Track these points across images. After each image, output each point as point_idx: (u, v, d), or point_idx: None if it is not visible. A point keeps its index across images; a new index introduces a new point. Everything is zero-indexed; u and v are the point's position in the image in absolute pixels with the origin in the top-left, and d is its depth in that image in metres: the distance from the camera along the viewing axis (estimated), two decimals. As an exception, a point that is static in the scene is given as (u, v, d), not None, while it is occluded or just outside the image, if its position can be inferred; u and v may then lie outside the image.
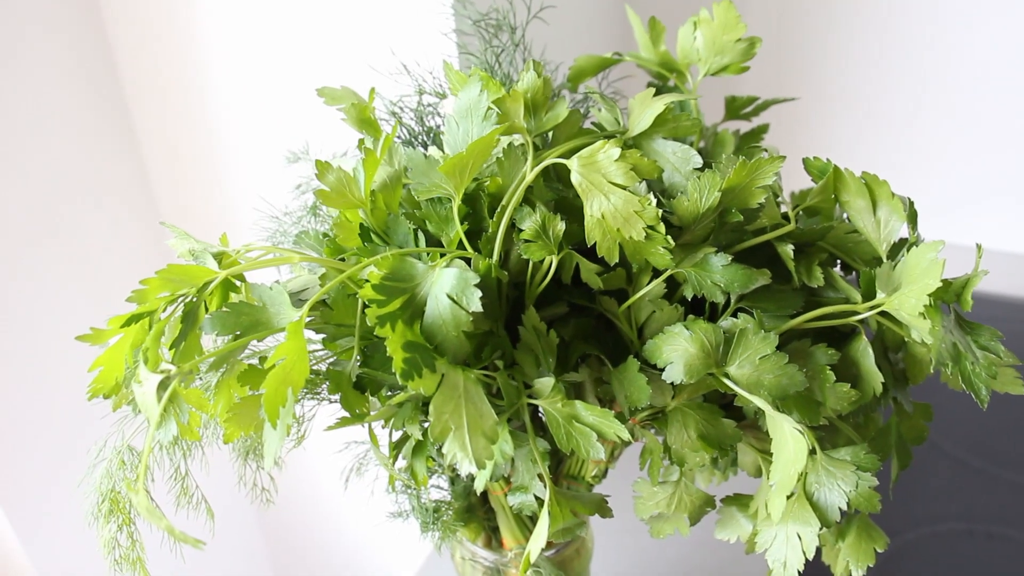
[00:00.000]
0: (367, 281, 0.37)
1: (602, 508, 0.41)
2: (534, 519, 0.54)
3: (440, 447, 0.38)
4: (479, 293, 0.38)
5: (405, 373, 0.36)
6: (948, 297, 0.40)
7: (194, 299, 0.40)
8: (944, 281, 0.39)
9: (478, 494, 0.54)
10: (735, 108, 0.56)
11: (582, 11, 0.78)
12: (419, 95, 0.55)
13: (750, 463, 0.47)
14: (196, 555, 0.91)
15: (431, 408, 0.37)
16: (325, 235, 0.47)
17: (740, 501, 0.48)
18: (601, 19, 0.79)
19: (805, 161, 0.45)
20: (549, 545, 0.57)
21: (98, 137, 0.80)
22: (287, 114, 0.71)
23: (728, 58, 0.50)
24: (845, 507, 0.44)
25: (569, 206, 0.43)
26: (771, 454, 0.46)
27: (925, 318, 0.38)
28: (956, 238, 1.12)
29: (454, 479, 0.54)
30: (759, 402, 0.39)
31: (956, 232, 1.11)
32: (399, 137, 0.54)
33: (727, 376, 0.41)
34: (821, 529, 0.44)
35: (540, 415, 0.46)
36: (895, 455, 0.47)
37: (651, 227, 0.40)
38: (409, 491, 0.53)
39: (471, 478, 0.54)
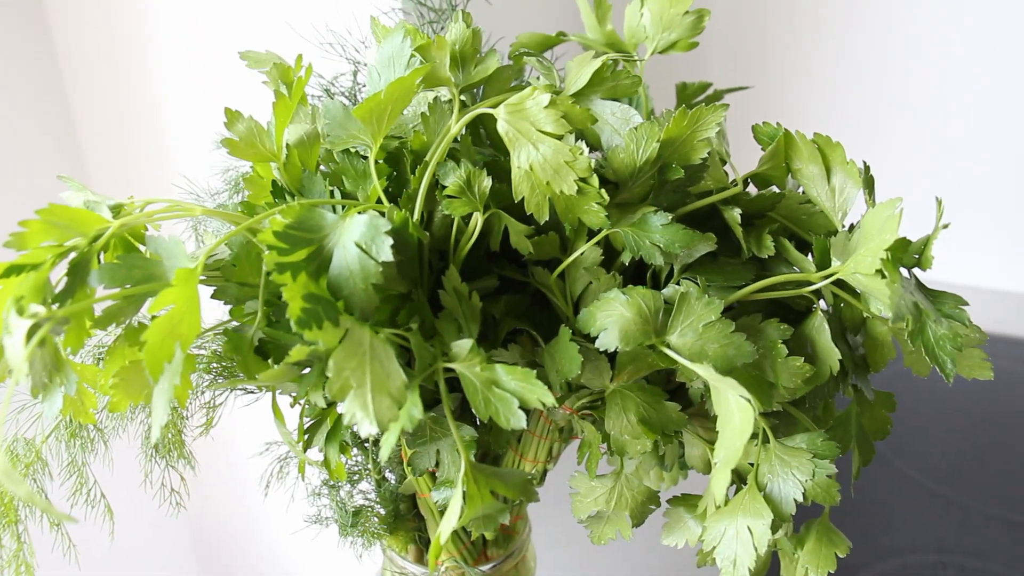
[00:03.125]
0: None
1: (527, 490, 0.37)
2: (467, 529, 0.50)
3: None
4: (390, 241, 0.34)
5: (302, 321, 0.33)
6: (907, 259, 0.37)
7: (84, 252, 0.36)
8: (902, 238, 0.35)
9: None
10: (687, 96, 0.54)
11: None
12: (354, 75, 0.52)
13: (699, 457, 0.43)
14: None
15: (331, 363, 0.33)
16: (243, 203, 0.43)
17: (688, 501, 0.44)
18: (550, 2, 0.77)
19: (755, 127, 0.42)
20: (486, 559, 0.52)
21: (31, 111, 0.77)
22: (225, 96, 0.68)
23: (676, 33, 0.48)
24: (801, 498, 0.40)
25: (500, 170, 0.40)
26: (720, 445, 0.43)
27: (882, 276, 0.35)
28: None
29: (380, 482, 0.49)
30: (701, 370, 0.35)
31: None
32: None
33: (668, 346, 0.37)
34: (775, 525, 0.40)
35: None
36: (856, 448, 0.43)
37: (583, 180, 0.37)
38: (328, 486, 0.48)
39: (400, 478, 0.50)
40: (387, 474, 0.50)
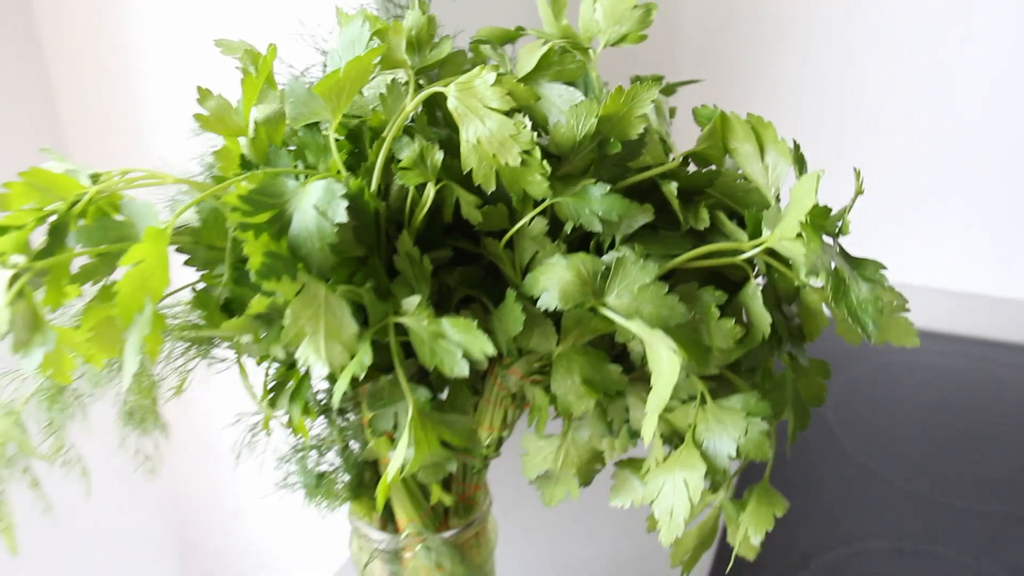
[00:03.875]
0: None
1: (471, 438, 0.40)
2: (426, 491, 0.52)
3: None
4: (344, 204, 0.37)
5: (262, 273, 0.35)
6: (829, 226, 0.40)
7: (64, 215, 0.39)
8: (821, 206, 0.38)
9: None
10: (642, 89, 0.57)
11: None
12: (323, 66, 0.55)
13: (642, 420, 0.46)
14: (91, 537, 0.88)
15: (288, 312, 0.35)
16: (213, 177, 0.46)
17: (634, 464, 0.47)
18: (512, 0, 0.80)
19: (695, 110, 0.45)
20: (446, 526, 0.54)
21: (13, 93, 0.79)
22: (204, 84, 0.71)
23: (626, 27, 0.51)
24: (734, 453, 0.42)
25: (453, 147, 0.43)
26: (666, 408, 0.45)
27: (802, 238, 0.38)
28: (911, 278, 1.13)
29: (344, 450, 0.52)
30: (634, 327, 0.38)
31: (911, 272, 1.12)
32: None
33: (606, 307, 0.40)
34: (712, 479, 0.42)
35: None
36: (792, 412, 0.46)
37: (527, 153, 0.39)
38: (295, 452, 0.51)
39: (363, 445, 0.52)
40: (352, 444, 0.52)
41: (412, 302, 0.38)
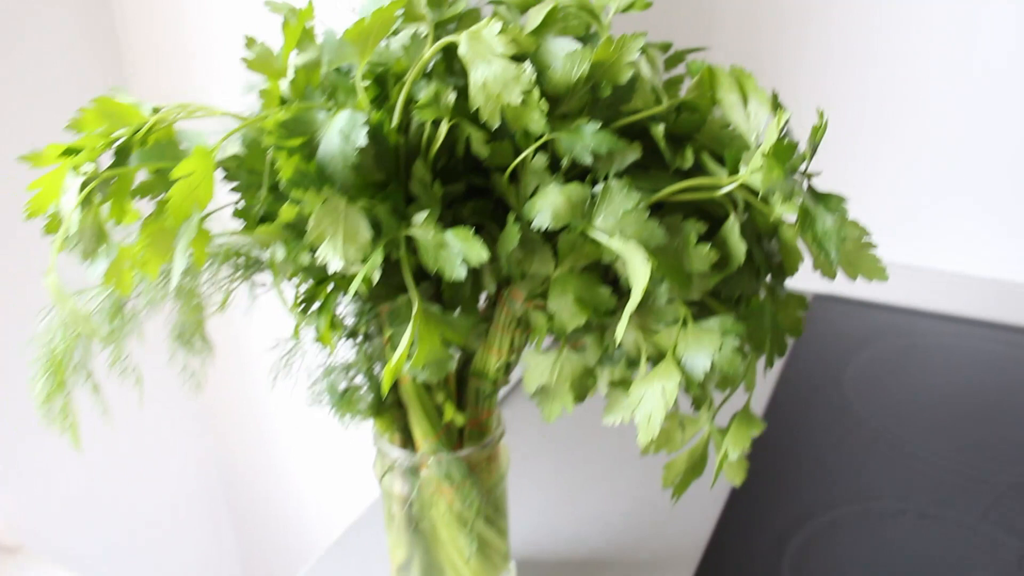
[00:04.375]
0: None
1: (470, 339, 0.45)
2: (440, 411, 0.58)
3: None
4: (365, 130, 0.43)
5: (292, 182, 0.41)
6: (795, 162, 0.44)
7: (128, 140, 0.46)
8: (786, 142, 0.43)
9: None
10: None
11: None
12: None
13: (631, 342, 0.50)
14: (136, 419, 0.96)
15: (312, 218, 0.41)
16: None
17: (624, 384, 0.52)
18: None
19: (689, 64, 0.50)
20: (460, 447, 0.60)
21: (81, 28, 0.86)
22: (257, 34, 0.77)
23: (634, -6, 0.56)
24: (708, 367, 0.47)
25: (467, 93, 0.49)
26: (651, 330, 0.50)
27: (769, 171, 0.42)
28: (923, 259, 1.15)
29: (369, 371, 0.58)
30: (615, 244, 0.43)
31: (922, 253, 1.15)
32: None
33: (593, 228, 0.45)
34: (689, 387, 0.47)
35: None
36: (770, 340, 0.50)
37: (527, 93, 0.45)
38: (325, 374, 0.57)
39: (384, 366, 0.58)
40: (375, 366, 0.58)
41: (421, 216, 0.44)
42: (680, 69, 0.73)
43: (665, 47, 0.62)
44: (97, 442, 0.95)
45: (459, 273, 0.42)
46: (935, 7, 1.02)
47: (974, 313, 1.08)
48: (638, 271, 0.42)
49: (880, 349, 1.02)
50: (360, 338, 0.58)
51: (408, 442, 0.61)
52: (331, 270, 0.41)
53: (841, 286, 1.14)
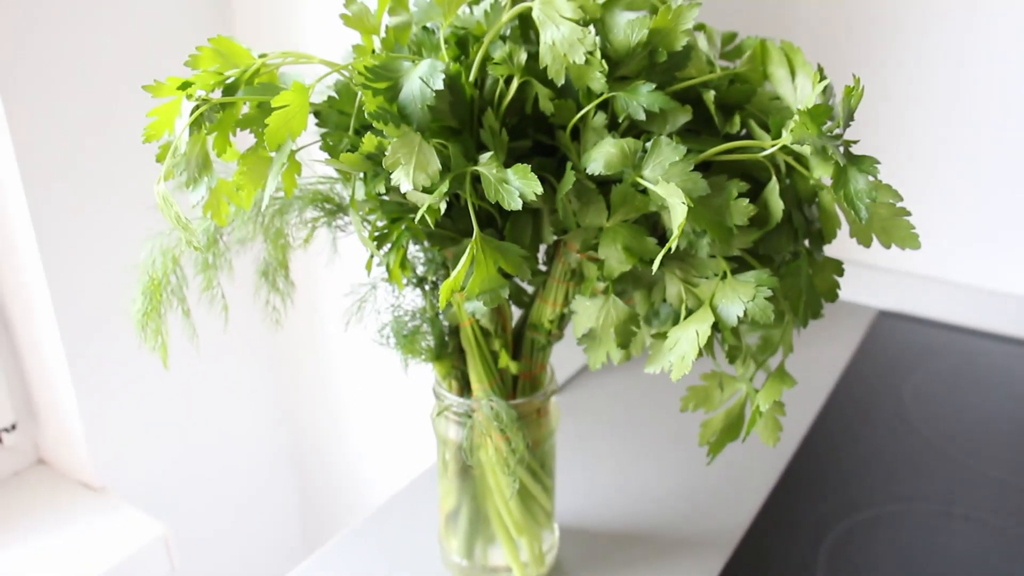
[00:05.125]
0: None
1: (521, 268, 0.49)
2: (496, 357, 0.62)
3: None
4: (442, 76, 0.48)
5: (374, 115, 0.47)
6: (833, 122, 0.48)
7: (237, 79, 0.52)
8: (822, 105, 0.46)
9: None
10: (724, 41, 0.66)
11: None
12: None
13: (675, 295, 0.54)
14: (211, 365, 1.03)
15: (390, 147, 0.47)
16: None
17: (666, 336, 0.55)
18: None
19: (743, 40, 0.54)
20: (512, 396, 0.64)
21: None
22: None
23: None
24: (742, 314, 0.50)
25: (538, 58, 0.54)
26: (693, 284, 0.54)
27: (803, 126, 0.46)
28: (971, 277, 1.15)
29: (433, 319, 0.62)
30: (660, 189, 0.47)
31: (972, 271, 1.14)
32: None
33: (642, 177, 0.49)
34: (722, 331, 0.50)
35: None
36: (805, 298, 0.53)
37: (590, 54, 0.50)
38: (394, 316, 0.62)
39: (449, 319, 0.62)
40: (440, 315, 0.63)
41: (486, 156, 0.49)
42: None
43: (730, 36, 0.66)
44: (178, 394, 1.02)
45: (516, 203, 0.47)
46: (1018, 30, 1.04)
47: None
48: (676, 212, 0.46)
49: (940, 365, 1.03)
50: (428, 286, 0.63)
51: (464, 391, 0.65)
52: (403, 190, 0.46)
53: (906, 302, 1.15)
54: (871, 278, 1.17)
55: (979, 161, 1.10)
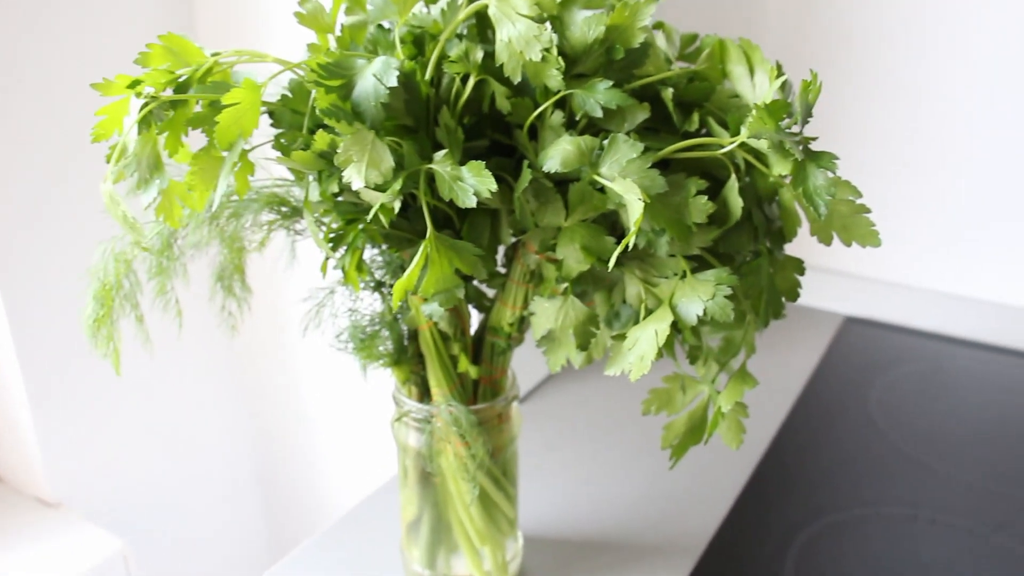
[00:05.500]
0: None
1: (476, 267, 0.49)
2: (456, 361, 0.61)
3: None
4: (396, 73, 0.47)
5: (327, 112, 0.46)
6: (792, 118, 0.47)
7: (188, 77, 0.51)
8: (780, 101, 0.46)
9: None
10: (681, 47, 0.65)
11: None
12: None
13: (635, 295, 0.54)
14: (171, 375, 1.01)
15: (342, 145, 0.46)
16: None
17: (625, 336, 0.54)
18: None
19: (703, 38, 0.54)
20: (472, 402, 0.63)
21: None
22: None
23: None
24: (701, 313, 0.50)
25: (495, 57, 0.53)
26: (652, 284, 0.53)
27: (760, 121, 0.46)
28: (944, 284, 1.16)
29: (392, 323, 0.61)
30: (617, 186, 0.47)
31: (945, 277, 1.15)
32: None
33: (599, 175, 0.49)
34: (680, 330, 0.50)
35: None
36: (766, 297, 0.53)
37: (547, 51, 0.49)
38: (351, 320, 0.61)
39: (407, 323, 0.61)
40: (399, 320, 0.62)
41: (440, 153, 0.48)
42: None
43: (691, 38, 0.66)
44: (135, 404, 1.00)
45: (470, 201, 0.46)
46: (981, 33, 1.05)
47: (1001, 340, 1.08)
48: (633, 208, 0.45)
49: (906, 371, 1.03)
50: (386, 290, 0.62)
51: (424, 397, 0.64)
52: (355, 187, 0.45)
53: (873, 308, 1.15)
54: (837, 284, 1.17)
55: (943, 165, 1.11)
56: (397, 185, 0.46)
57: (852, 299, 1.17)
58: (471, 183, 0.47)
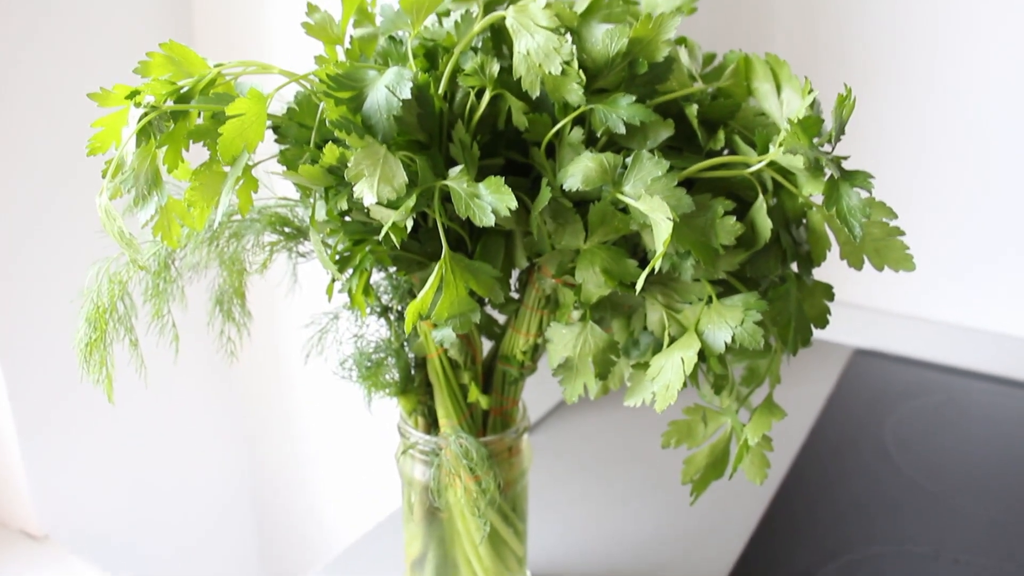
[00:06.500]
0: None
1: (493, 289, 0.46)
2: (465, 391, 0.58)
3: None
4: (410, 84, 0.45)
5: (336, 124, 0.44)
6: (824, 135, 0.45)
7: (191, 88, 0.48)
8: (813, 116, 0.44)
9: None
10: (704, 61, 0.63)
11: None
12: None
13: (656, 321, 0.51)
14: (165, 403, 0.97)
15: (353, 159, 0.43)
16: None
17: (646, 366, 0.52)
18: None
19: (726, 54, 0.52)
20: (481, 433, 0.60)
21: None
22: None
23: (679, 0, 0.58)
24: (729, 340, 0.47)
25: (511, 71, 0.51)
26: (676, 310, 0.51)
27: (798, 140, 0.43)
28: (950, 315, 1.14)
29: (399, 350, 0.59)
30: (642, 205, 0.44)
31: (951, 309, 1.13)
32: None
33: (623, 193, 0.46)
34: (707, 358, 0.47)
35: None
36: (794, 323, 0.50)
37: (567, 64, 0.47)
38: (356, 347, 0.58)
39: (415, 351, 0.59)
40: (405, 346, 0.59)
41: (456, 169, 0.46)
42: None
43: (710, 58, 0.64)
44: (127, 435, 0.97)
45: (488, 219, 0.43)
46: (992, 66, 1.03)
47: (1012, 373, 1.05)
48: (660, 228, 0.43)
49: (919, 404, 1.00)
50: (393, 316, 0.59)
51: (432, 428, 0.61)
52: (366, 203, 0.42)
53: (882, 340, 1.13)
54: (847, 316, 1.15)
55: (953, 196, 1.09)
56: (410, 202, 0.44)
57: (862, 331, 1.14)
58: (489, 200, 0.44)
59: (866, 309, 1.16)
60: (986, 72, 1.04)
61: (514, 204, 0.43)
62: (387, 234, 0.45)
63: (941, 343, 1.11)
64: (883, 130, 1.10)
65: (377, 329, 0.60)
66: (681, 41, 0.54)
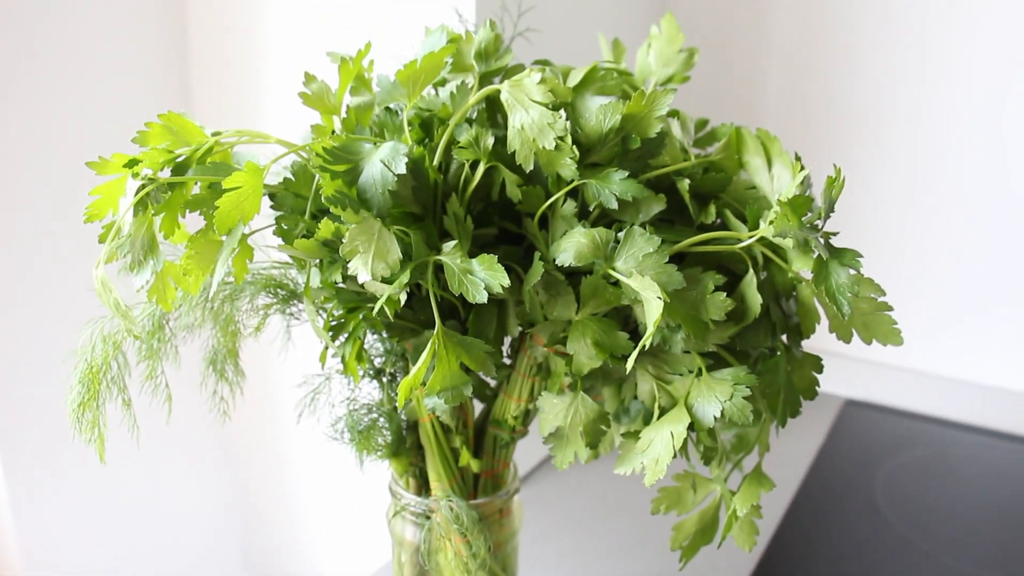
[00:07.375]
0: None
1: (485, 364, 0.46)
2: (457, 454, 0.58)
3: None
4: (405, 159, 0.46)
5: (331, 200, 0.44)
6: (812, 216, 0.46)
7: (188, 157, 0.49)
8: (802, 196, 0.45)
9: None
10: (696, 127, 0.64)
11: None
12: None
13: (647, 392, 0.51)
14: (156, 459, 0.96)
15: (348, 234, 0.44)
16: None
17: (636, 435, 0.52)
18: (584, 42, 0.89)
19: (716, 128, 0.53)
20: (472, 496, 0.60)
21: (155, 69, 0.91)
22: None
23: (672, 68, 0.59)
24: (718, 414, 0.47)
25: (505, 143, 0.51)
26: (666, 381, 0.51)
27: (784, 219, 0.44)
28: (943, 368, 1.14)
29: (391, 413, 0.59)
30: (634, 283, 0.45)
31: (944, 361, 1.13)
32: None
33: (614, 269, 0.47)
34: (698, 431, 0.48)
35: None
36: (783, 396, 0.50)
37: (560, 139, 0.47)
38: (348, 409, 0.58)
39: (407, 415, 0.59)
40: (399, 409, 0.59)
41: (450, 245, 0.46)
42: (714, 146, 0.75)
43: (703, 123, 0.64)
44: (118, 494, 0.97)
45: (481, 296, 0.44)
46: (980, 117, 1.05)
47: (1003, 426, 1.06)
48: (652, 307, 0.43)
49: (910, 457, 1.00)
50: (386, 378, 0.59)
51: (423, 490, 0.61)
52: (361, 280, 0.43)
53: (874, 392, 1.13)
54: (838, 367, 1.15)
55: (943, 249, 1.10)
56: (405, 277, 0.44)
57: (852, 382, 1.15)
58: (482, 277, 0.45)
59: (858, 361, 1.17)
60: (974, 122, 1.05)
61: (506, 282, 0.44)
62: (381, 306, 0.45)
63: (932, 395, 1.12)
64: (873, 182, 1.11)
65: (369, 392, 0.60)
66: (674, 114, 0.54)
